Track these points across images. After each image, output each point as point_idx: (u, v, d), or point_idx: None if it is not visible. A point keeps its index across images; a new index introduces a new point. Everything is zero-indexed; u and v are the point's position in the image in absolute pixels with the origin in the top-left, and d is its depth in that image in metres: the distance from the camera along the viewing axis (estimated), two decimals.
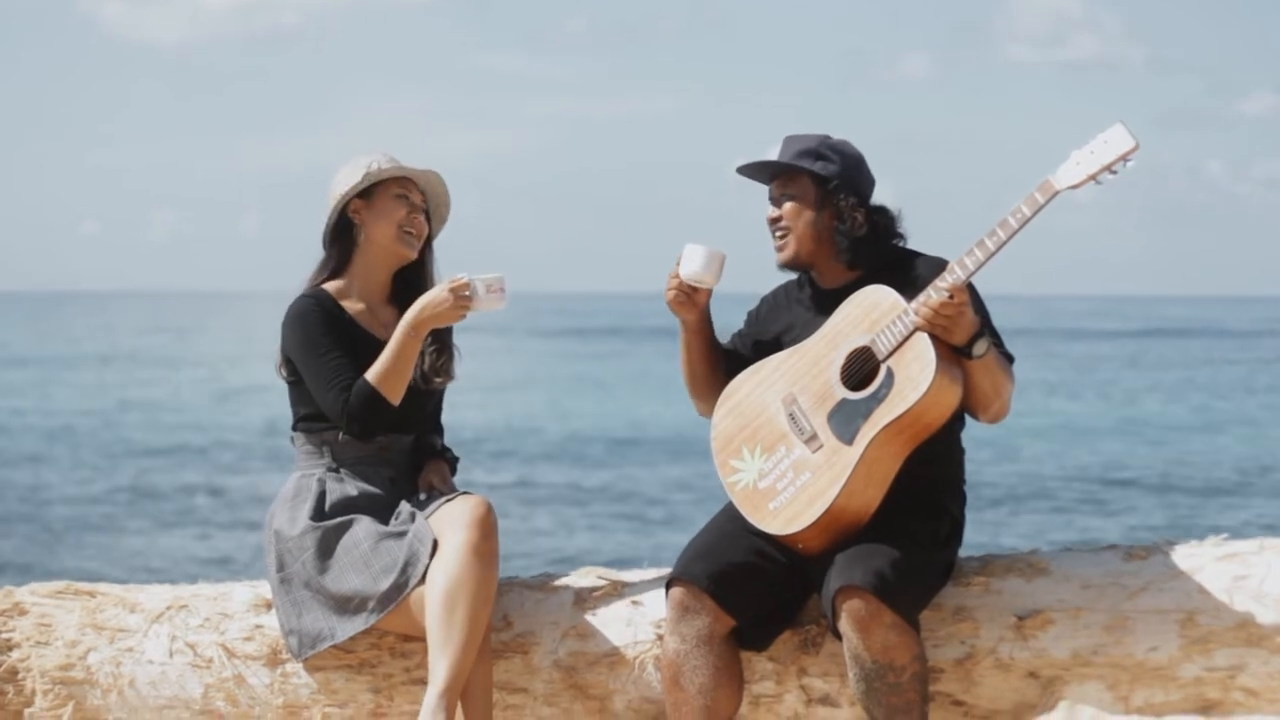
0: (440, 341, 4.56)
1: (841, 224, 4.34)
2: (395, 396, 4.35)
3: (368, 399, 4.33)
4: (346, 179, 4.50)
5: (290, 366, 4.48)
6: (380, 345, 4.43)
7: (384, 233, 4.50)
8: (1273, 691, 4.17)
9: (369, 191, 4.49)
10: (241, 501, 21.06)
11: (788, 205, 4.37)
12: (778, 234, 4.40)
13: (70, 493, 21.89)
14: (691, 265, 4.34)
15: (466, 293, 4.31)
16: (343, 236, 4.52)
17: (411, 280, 4.58)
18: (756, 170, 4.42)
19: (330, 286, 4.52)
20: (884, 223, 4.38)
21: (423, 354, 4.50)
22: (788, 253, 4.39)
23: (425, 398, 4.55)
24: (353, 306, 4.50)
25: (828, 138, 4.39)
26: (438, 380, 4.55)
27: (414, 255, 4.54)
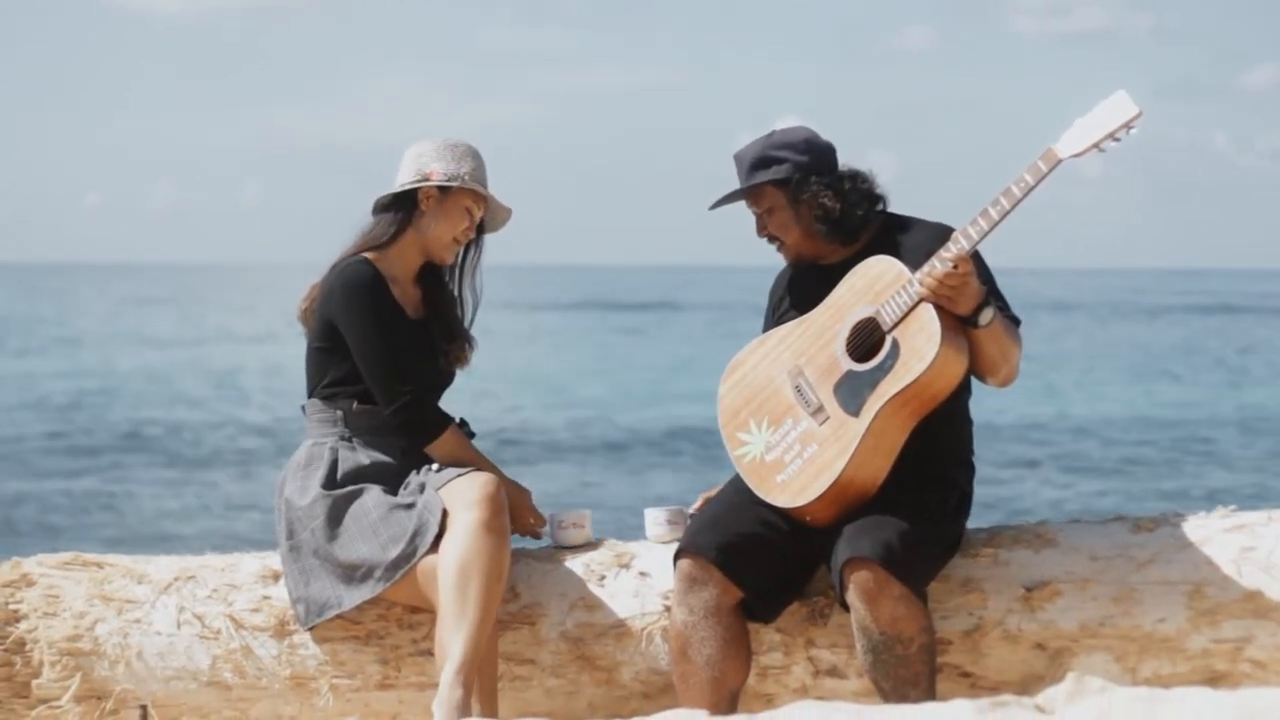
0: (458, 331, 4.57)
1: (817, 211, 4.34)
2: (433, 451, 4.44)
3: (434, 427, 4.44)
4: (439, 160, 4.50)
5: (329, 333, 4.47)
6: (408, 324, 4.45)
7: (441, 232, 4.51)
8: None
9: (447, 188, 4.50)
10: (246, 478, 21.05)
11: (769, 218, 4.40)
12: (774, 246, 4.44)
13: (66, 468, 21.90)
14: (656, 529, 4.57)
15: (542, 528, 4.55)
16: (400, 208, 4.52)
17: (438, 268, 4.61)
18: (726, 201, 4.45)
19: (371, 255, 4.51)
20: (857, 188, 4.37)
21: (450, 335, 4.56)
22: (789, 256, 4.45)
23: (448, 379, 4.58)
24: (390, 280, 4.50)
25: (770, 135, 4.41)
26: (456, 364, 4.59)
27: (450, 263, 4.58)
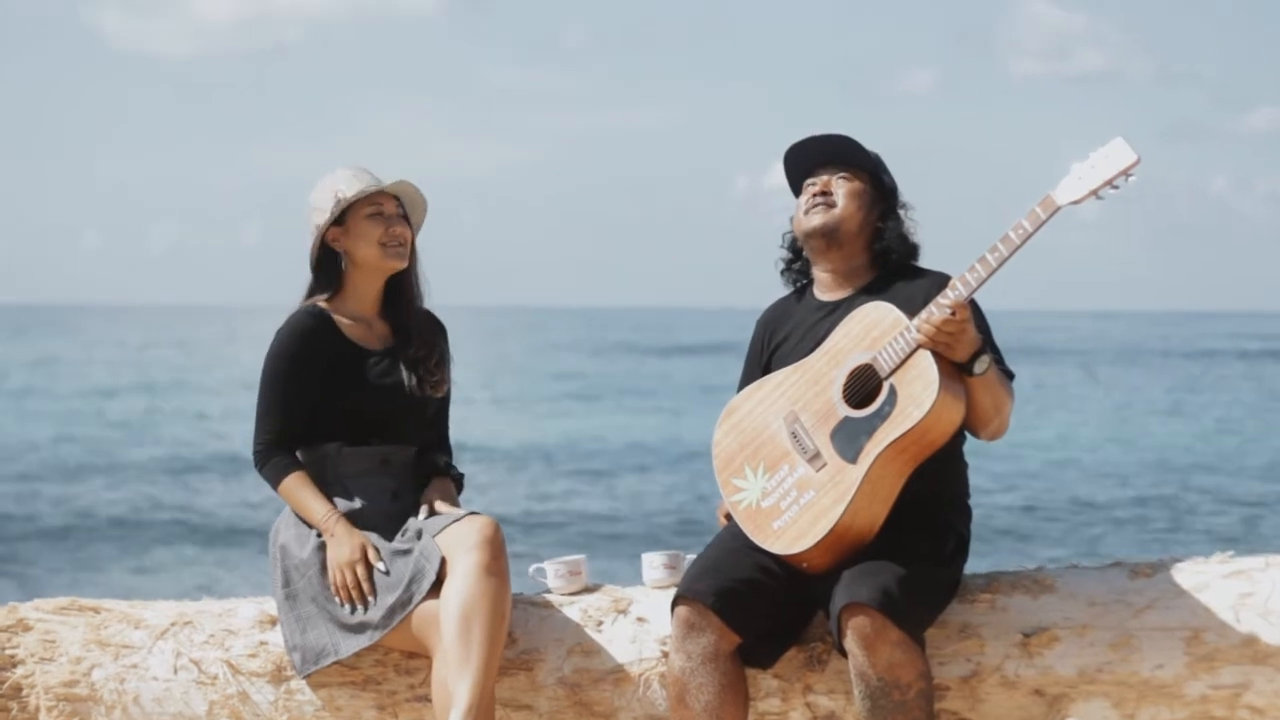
0: (432, 348, 4.57)
1: (883, 226, 4.37)
2: (281, 497, 4.48)
3: (272, 477, 4.46)
4: (319, 205, 4.50)
5: None
6: (370, 357, 4.47)
7: (368, 253, 4.51)
8: (1279, 709, 4.17)
9: (342, 217, 4.50)
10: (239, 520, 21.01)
11: (844, 185, 4.40)
12: (820, 204, 4.40)
13: (75, 508, 21.88)
14: (653, 574, 4.58)
15: (377, 565, 4.37)
16: (328, 262, 4.53)
17: (398, 288, 4.60)
18: (830, 148, 4.42)
19: (326, 302, 4.54)
20: (910, 238, 4.44)
21: (416, 361, 4.53)
22: (826, 219, 4.38)
23: (423, 406, 4.55)
24: (346, 322, 4.53)
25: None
26: (431, 388, 4.55)
27: (404, 264, 4.56)
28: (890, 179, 4.44)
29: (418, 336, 4.57)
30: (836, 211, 4.38)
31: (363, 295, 4.56)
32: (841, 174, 4.41)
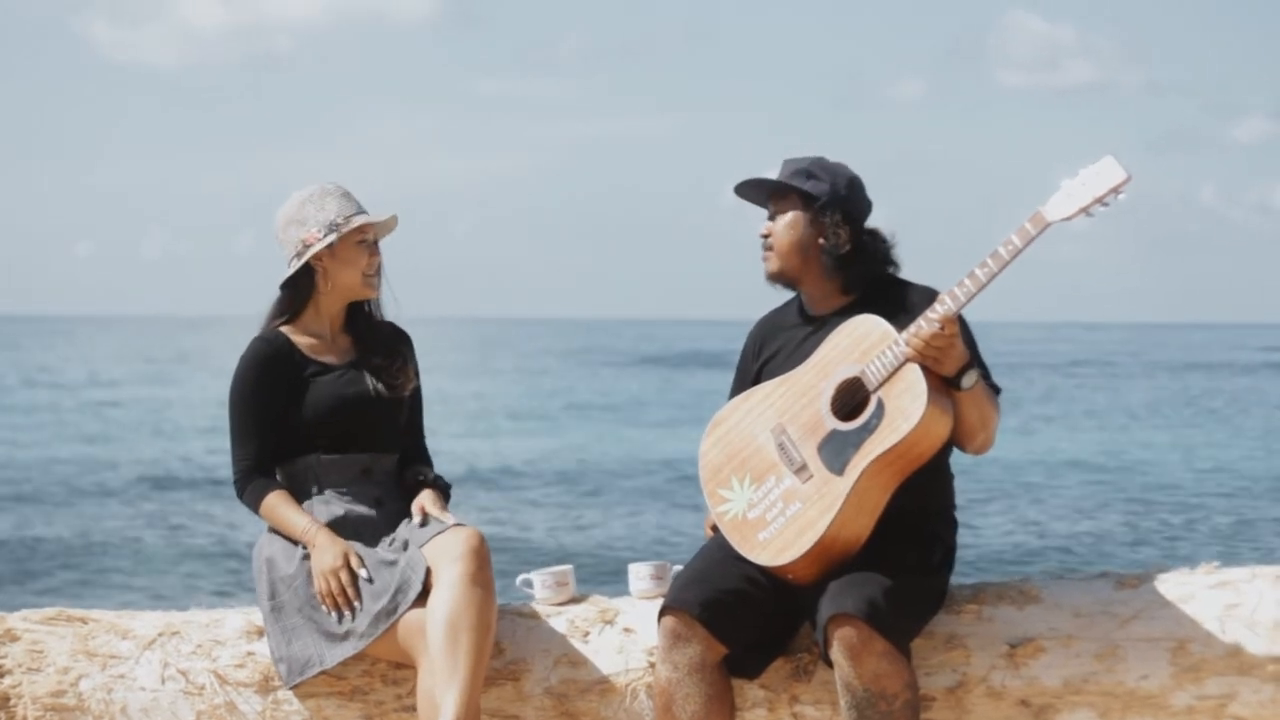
0: (394, 354, 4.58)
1: (826, 241, 4.36)
2: (263, 519, 4.50)
3: (252, 501, 4.48)
4: (310, 221, 4.49)
5: None
6: (332, 372, 4.50)
7: (350, 278, 4.53)
8: None
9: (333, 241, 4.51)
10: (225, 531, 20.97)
11: (777, 221, 4.41)
12: (764, 249, 4.44)
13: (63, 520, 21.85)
14: (639, 585, 4.59)
15: (360, 572, 4.38)
16: (302, 280, 4.54)
17: (360, 305, 4.62)
18: (751, 190, 4.46)
19: (286, 326, 4.56)
20: (873, 245, 4.40)
21: (378, 369, 4.55)
22: (770, 266, 4.44)
23: (392, 410, 4.57)
24: (307, 341, 4.55)
25: (822, 159, 4.42)
26: (396, 389, 4.56)
27: (377, 294, 4.59)
28: (823, 186, 4.37)
29: (379, 346, 4.58)
30: (774, 253, 4.42)
31: (326, 314, 4.57)
32: (775, 211, 4.44)
